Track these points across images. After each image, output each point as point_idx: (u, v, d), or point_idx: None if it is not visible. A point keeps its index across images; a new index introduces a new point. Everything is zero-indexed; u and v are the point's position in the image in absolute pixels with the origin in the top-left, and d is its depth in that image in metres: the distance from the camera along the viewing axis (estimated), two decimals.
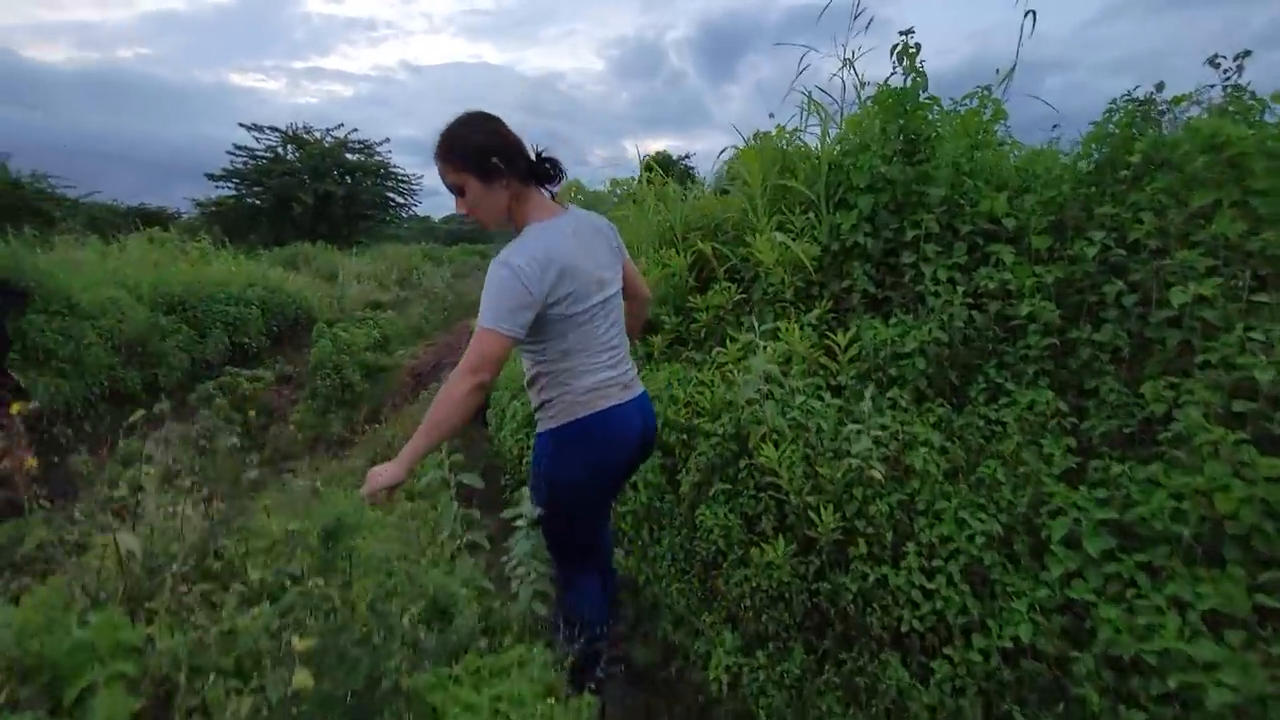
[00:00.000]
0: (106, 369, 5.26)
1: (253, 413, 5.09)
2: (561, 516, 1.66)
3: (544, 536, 1.71)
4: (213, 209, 23.54)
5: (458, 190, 1.49)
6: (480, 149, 1.46)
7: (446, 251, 23.19)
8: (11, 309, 4.62)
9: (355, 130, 24.82)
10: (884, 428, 2.02)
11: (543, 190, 1.59)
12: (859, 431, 1.92)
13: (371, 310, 11.09)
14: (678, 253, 3.06)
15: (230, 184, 23.27)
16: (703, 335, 2.82)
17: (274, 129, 24.08)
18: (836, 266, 2.63)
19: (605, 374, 1.59)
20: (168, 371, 5.82)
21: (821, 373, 2.33)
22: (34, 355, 4.89)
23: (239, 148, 23.37)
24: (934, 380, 2.20)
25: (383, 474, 1.45)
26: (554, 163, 1.58)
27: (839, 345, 2.31)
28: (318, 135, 24.52)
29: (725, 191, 3.46)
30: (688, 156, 31.82)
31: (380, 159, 25.18)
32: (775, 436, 2.03)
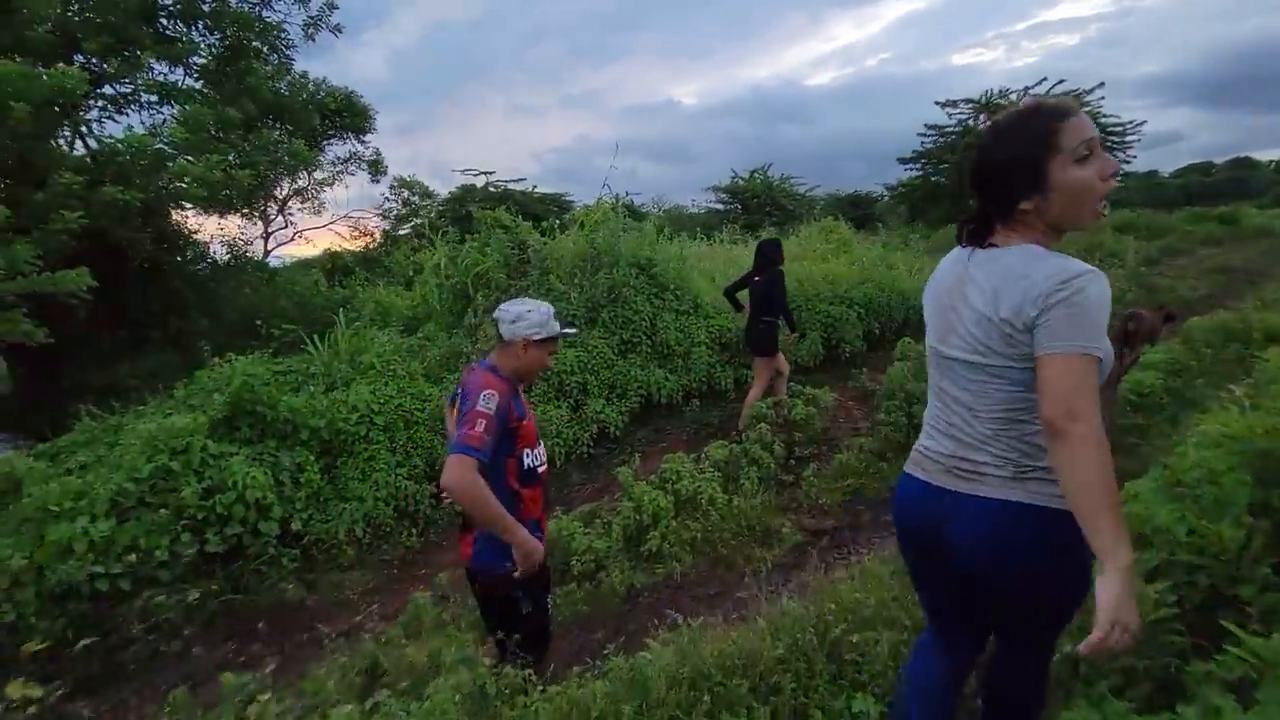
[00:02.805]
0: (706, 367, 5.68)
1: (796, 440, 4.46)
2: None
3: None
4: (901, 190, 24.96)
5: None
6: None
7: (1163, 218, 17.08)
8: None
9: (1061, 81, 21.10)
10: None
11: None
12: None
13: None
14: None
15: (917, 165, 23.88)
16: None
17: (967, 101, 23.13)
18: None
19: (924, 439, 1.40)
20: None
21: None
22: (661, 350, 5.67)
23: (929, 127, 23.57)
24: None
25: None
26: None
27: None
28: (1014, 98, 22.10)
29: None
30: None
31: (1088, 110, 20.63)
32: None
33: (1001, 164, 1.20)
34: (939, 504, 1.29)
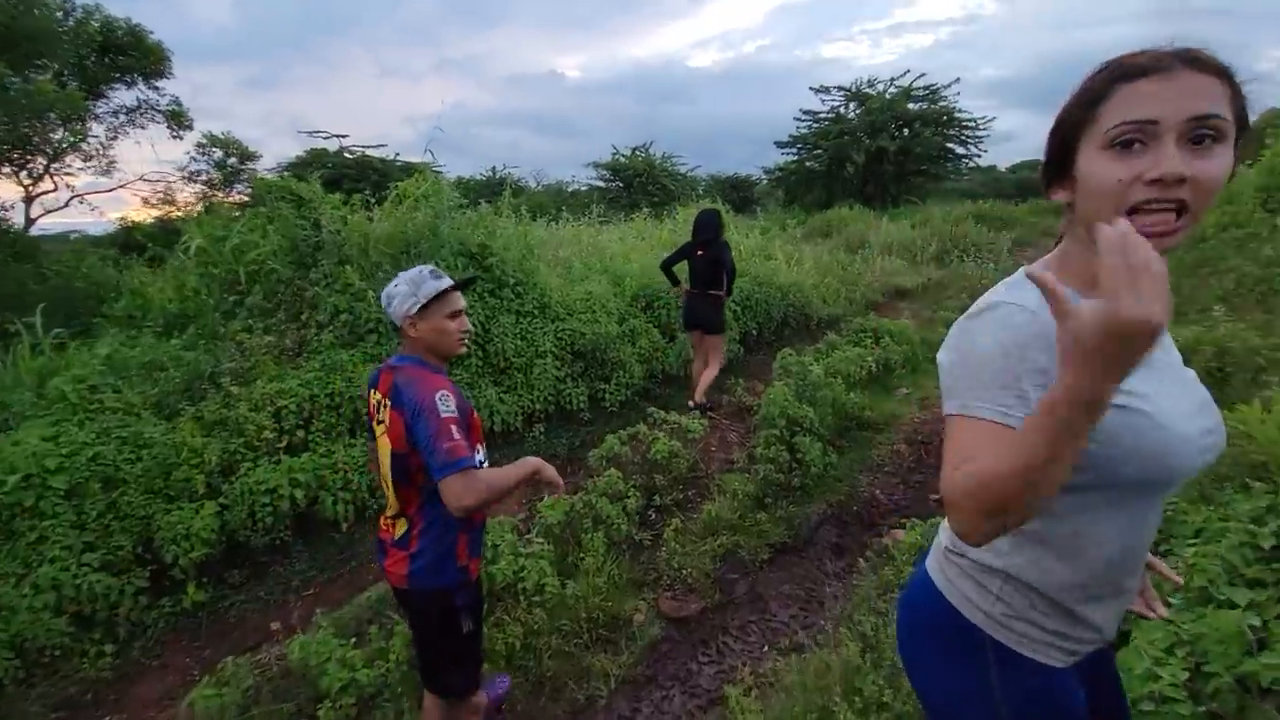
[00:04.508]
0: (554, 383, 4.62)
1: (656, 486, 3.53)
2: None
3: None
4: (779, 174, 25.26)
5: (1208, 136, 0.75)
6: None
7: (1010, 209, 18.29)
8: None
9: (922, 75, 22.07)
10: None
11: None
12: None
13: (895, 299, 8.68)
14: None
15: (793, 149, 24.16)
16: None
17: (839, 88, 23.64)
18: None
19: None
20: (616, 388, 4.93)
21: None
22: (495, 363, 4.54)
23: (805, 112, 23.98)
24: None
25: None
26: None
27: None
28: (880, 88, 22.82)
29: None
30: None
31: (945, 104, 21.80)
32: None
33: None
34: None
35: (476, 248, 4.77)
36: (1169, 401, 0.83)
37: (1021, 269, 0.88)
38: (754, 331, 6.20)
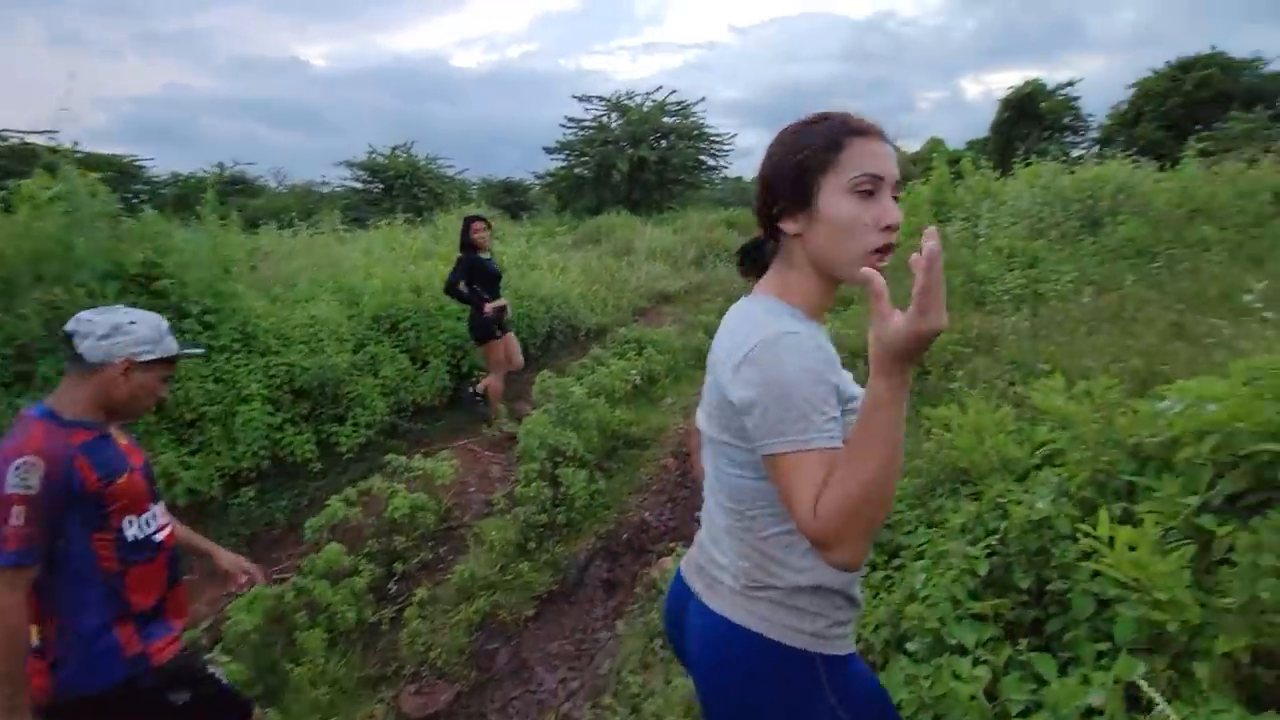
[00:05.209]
0: (265, 432, 3.74)
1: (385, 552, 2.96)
2: None
3: None
4: (549, 180, 25.25)
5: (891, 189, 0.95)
6: None
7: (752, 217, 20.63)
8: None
9: (674, 92, 23.78)
10: None
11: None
12: None
13: (659, 304, 8.96)
14: None
15: (562, 155, 24.37)
16: None
17: (600, 98, 24.40)
18: None
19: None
20: (353, 430, 4.18)
21: None
22: (175, 416, 3.52)
23: (570, 119, 24.27)
24: None
25: None
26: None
27: None
28: (638, 101, 24.08)
29: None
30: (1070, 84, 23.31)
31: (694, 120, 23.79)
32: None
33: (773, 168, 0.98)
34: (680, 606, 1.11)
35: (138, 267, 3.66)
36: None
37: (763, 305, 0.95)
38: (521, 348, 5.81)
